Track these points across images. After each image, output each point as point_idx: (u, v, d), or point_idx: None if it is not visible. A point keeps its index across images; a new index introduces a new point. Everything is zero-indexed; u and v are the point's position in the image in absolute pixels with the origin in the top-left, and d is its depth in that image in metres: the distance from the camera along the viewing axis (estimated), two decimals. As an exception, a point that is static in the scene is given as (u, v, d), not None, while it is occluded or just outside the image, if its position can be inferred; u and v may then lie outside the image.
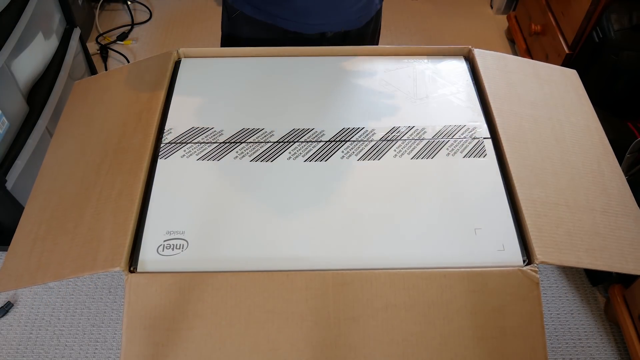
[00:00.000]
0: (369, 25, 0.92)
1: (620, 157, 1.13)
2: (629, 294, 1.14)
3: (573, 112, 0.75)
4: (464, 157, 0.68)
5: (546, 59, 1.62)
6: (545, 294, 1.28)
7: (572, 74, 0.82)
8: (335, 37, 0.89)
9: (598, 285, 1.29)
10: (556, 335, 1.22)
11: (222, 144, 0.69)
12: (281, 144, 0.69)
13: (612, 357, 1.18)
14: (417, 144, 0.69)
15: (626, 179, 0.68)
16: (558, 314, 1.25)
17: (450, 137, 0.70)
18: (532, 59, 1.73)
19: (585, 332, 1.22)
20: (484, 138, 0.70)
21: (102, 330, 1.22)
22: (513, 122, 0.71)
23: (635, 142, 1.15)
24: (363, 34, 0.92)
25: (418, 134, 0.71)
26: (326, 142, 0.70)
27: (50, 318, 1.24)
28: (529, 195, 0.63)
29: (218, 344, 0.56)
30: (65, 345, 1.19)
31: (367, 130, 0.71)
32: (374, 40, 0.99)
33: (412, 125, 0.72)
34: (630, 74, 1.31)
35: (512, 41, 1.94)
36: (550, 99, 0.76)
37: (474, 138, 0.70)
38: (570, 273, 1.33)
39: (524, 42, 1.80)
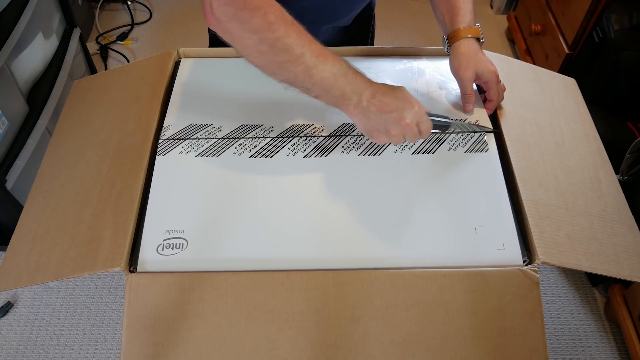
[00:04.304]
0: (358, 20, 0.89)
1: (620, 157, 1.13)
2: (629, 294, 1.14)
3: (572, 119, 0.75)
4: (465, 151, 0.68)
5: (546, 59, 1.62)
6: (545, 294, 1.28)
7: (571, 82, 0.83)
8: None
9: (598, 285, 1.29)
10: (556, 335, 1.22)
11: (221, 140, 0.69)
12: (280, 139, 0.69)
13: (612, 357, 1.18)
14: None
15: (626, 179, 0.68)
16: (558, 314, 1.25)
17: (451, 131, 0.70)
18: (532, 58, 1.73)
19: (585, 332, 1.22)
20: (486, 132, 0.70)
21: (102, 330, 1.22)
22: (516, 123, 0.71)
23: (635, 142, 1.15)
24: (355, 27, 0.89)
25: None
26: (326, 137, 0.69)
27: (50, 318, 1.24)
28: (532, 196, 0.63)
29: (218, 344, 0.56)
30: (65, 345, 1.19)
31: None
32: (367, 33, 0.95)
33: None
34: (630, 74, 1.31)
35: (512, 41, 1.94)
36: (551, 105, 0.76)
37: (476, 132, 0.70)
38: (570, 273, 1.33)
39: (524, 42, 1.80)
